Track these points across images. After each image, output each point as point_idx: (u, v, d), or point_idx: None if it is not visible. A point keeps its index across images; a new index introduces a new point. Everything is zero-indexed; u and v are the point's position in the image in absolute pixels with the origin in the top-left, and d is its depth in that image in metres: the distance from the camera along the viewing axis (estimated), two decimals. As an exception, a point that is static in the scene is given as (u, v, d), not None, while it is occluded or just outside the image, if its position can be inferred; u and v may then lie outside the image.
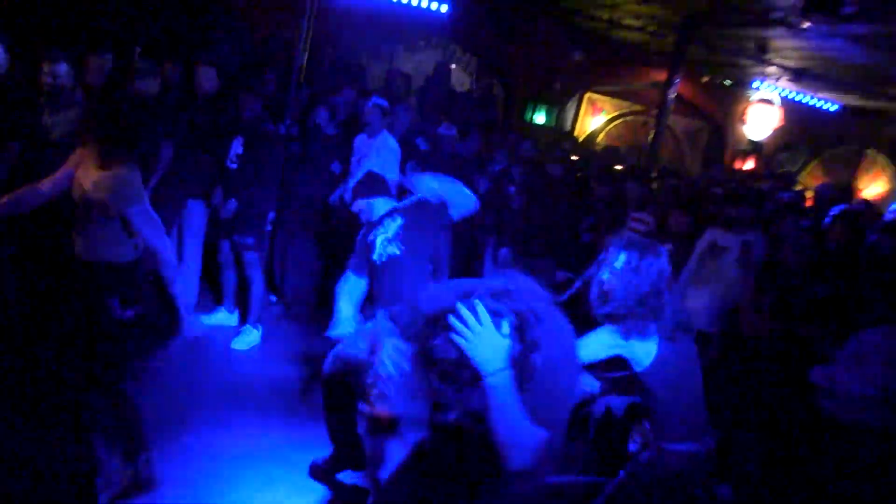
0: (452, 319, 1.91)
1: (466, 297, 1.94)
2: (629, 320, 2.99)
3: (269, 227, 6.16)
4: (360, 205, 4.10)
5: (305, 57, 8.96)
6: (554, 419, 2.05)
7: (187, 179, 5.86)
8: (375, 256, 3.94)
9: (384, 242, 3.93)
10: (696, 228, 5.95)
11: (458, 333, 1.90)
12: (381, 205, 4.09)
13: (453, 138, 7.25)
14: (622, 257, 3.01)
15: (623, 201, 6.64)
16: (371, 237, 4.01)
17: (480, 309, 1.90)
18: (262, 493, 4.05)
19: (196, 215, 6.10)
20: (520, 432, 1.95)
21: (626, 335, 3.01)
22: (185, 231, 6.08)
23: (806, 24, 7.32)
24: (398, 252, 3.88)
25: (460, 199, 4.09)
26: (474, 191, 7.25)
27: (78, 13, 7.58)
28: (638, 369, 3.08)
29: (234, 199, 5.90)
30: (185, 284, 5.97)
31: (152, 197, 4.61)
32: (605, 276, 3.03)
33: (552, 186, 7.12)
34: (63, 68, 4.93)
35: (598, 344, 3.07)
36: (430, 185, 4.00)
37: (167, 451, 4.15)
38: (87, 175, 3.74)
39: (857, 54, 8.67)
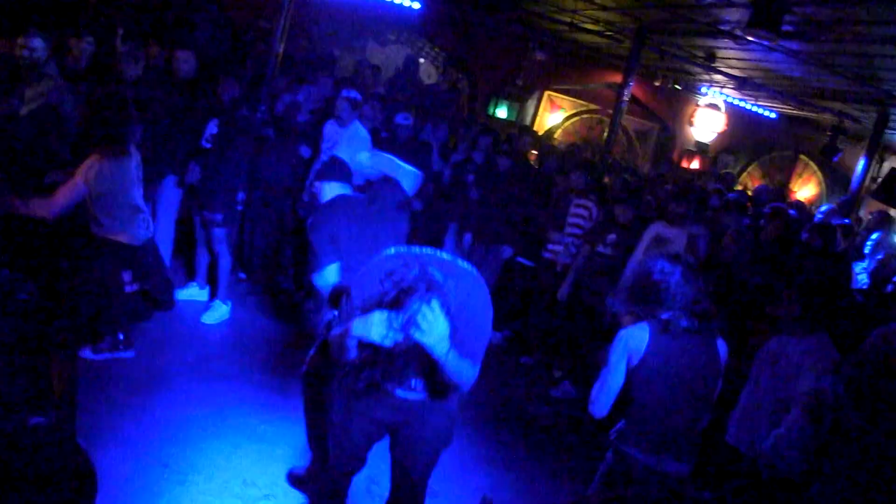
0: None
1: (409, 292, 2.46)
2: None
3: (239, 207, 6.33)
4: (315, 186, 4.08)
5: (282, 47, 9.32)
6: (478, 350, 2.73)
7: (162, 158, 6.02)
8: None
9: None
10: (640, 220, 6.37)
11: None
12: (333, 189, 4.00)
13: (409, 127, 7.51)
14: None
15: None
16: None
17: (434, 306, 2.45)
18: (229, 461, 4.17)
19: (169, 192, 6.27)
20: (463, 373, 2.67)
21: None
22: (158, 207, 6.22)
23: (750, 38, 7.83)
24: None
25: (402, 171, 4.10)
26: (438, 179, 7.74)
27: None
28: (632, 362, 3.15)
29: (198, 167, 6.10)
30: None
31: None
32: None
33: (504, 178, 7.42)
34: (38, 42, 5.11)
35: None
36: (370, 163, 4.20)
37: (138, 418, 4.35)
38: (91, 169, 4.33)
39: (793, 67, 9.25)
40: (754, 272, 5.59)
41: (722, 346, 3.21)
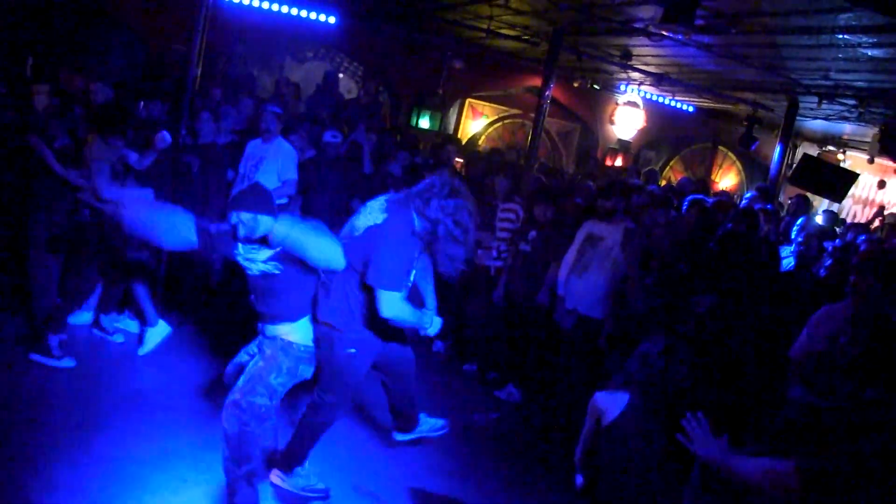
0: None
1: None
2: None
3: None
4: (243, 217, 3.68)
5: (199, 70, 9.08)
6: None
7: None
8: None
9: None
10: (559, 218, 6.44)
11: None
12: (265, 223, 3.70)
13: (338, 145, 7.46)
14: None
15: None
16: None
17: None
18: (177, 495, 4.02)
19: None
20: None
21: None
22: None
23: (664, 33, 7.95)
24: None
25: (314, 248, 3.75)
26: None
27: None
28: (604, 422, 3.29)
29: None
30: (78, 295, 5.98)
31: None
32: None
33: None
34: None
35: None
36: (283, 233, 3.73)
37: (77, 458, 4.14)
38: None
39: (707, 61, 9.45)
40: (678, 261, 5.72)
41: None
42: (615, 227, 5.84)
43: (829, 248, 6.82)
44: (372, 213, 3.80)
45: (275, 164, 6.79)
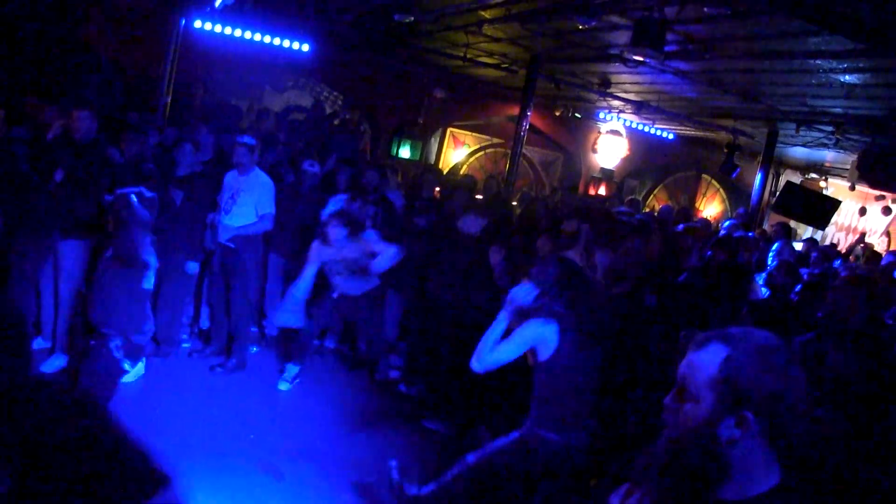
0: None
1: None
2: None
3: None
4: None
5: (169, 98, 9.02)
6: None
7: (62, 220, 5.76)
8: None
9: None
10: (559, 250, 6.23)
11: None
12: None
13: (317, 175, 7.38)
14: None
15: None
16: None
17: None
18: None
19: (69, 257, 5.91)
20: None
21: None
22: (59, 272, 5.89)
23: (638, 58, 7.90)
24: None
25: None
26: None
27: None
28: (541, 358, 3.54)
29: None
30: (65, 325, 5.90)
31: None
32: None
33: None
34: None
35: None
36: None
37: None
38: None
39: (684, 88, 9.44)
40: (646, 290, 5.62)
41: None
42: (575, 254, 5.55)
43: (805, 276, 6.72)
44: None
45: (252, 196, 6.66)
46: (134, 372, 5.77)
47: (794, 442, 1.53)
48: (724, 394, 1.51)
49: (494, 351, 3.54)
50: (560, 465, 3.58)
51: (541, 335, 3.53)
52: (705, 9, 5.68)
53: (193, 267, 6.46)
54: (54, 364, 5.82)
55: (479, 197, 9.68)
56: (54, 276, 5.89)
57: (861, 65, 6.33)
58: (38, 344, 5.99)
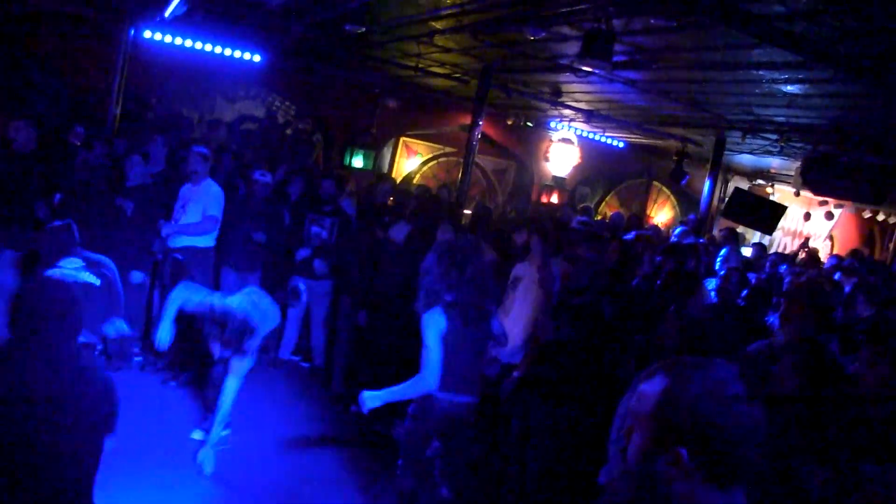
0: None
1: None
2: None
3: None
4: None
5: (119, 109, 8.87)
6: None
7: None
8: None
9: None
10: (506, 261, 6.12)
11: None
12: None
13: (268, 185, 7.34)
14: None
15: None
16: None
17: None
18: None
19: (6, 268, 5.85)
20: None
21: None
22: None
23: (587, 69, 7.99)
24: None
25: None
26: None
27: None
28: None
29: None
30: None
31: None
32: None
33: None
34: None
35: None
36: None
37: None
38: None
39: (633, 97, 9.56)
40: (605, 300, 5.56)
41: (496, 323, 4.35)
42: (532, 266, 5.53)
43: (753, 280, 6.86)
44: None
45: (200, 203, 6.67)
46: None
47: (744, 478, 1.46)
48: (659, 428, 1.46)
49: (429, 364, 3.97)
50: (451, 422, 4.09)
51: (437, 324, 3.98)
52: (651, 20, 5.78)
53: (138, 276, 6.38)
54: None
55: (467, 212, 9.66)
56: None
57: (800, 76, 6.50)
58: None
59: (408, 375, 4.05)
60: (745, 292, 5.61)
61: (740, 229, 12.87)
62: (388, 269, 6.44)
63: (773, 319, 5.48)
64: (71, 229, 4.77)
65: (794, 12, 4.83)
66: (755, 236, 13.53)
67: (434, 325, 3.98)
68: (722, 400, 1.43)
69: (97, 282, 4.56)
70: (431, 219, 7.03)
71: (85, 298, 4.23)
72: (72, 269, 4.48)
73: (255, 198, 7.28)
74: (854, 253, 10.79)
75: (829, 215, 13.34)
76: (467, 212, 9.94)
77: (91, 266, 4.60)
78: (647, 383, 1.52)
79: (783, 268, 7.81)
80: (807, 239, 12.60)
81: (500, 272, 5.82)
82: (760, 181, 14.22)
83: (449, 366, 4.02)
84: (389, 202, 9.47)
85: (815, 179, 8.72)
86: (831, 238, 13.72)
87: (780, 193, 13.63)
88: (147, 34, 9.01)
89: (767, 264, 8.45)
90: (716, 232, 12.11)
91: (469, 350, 4.14)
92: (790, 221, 13.75)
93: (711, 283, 6.86)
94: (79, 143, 7.42)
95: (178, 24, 8.47)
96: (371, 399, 4.01)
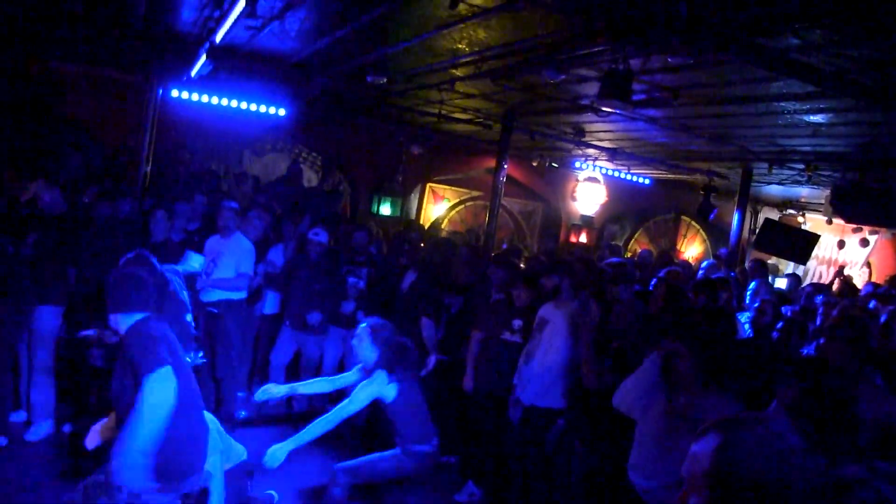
0: None
1: None
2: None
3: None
4: None
5: (149, 167, 9.09)
6: None
7: (39, 287, 5.82)
8: None
9: None
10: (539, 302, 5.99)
11: None
12: None
13: (323, 244, 7.25)
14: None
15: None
16: None
17: None
18: None
19: (46, 321, 5.96)
20: None
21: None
22: (34, 337, 5.93)
23: (608, 109, 8.05)
24: None
25: None
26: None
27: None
28: (388, 402, 4.70)
29: None
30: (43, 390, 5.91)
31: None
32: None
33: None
34: None
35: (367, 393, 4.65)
36: None
37: None
38: None
39: (657, 134, 9.58)
40: (646, 341, 5.47)
41: None
42: (561, 309, 5.49)
43: (788, 313, 6.76)
44: None
45: (233, 258, 6.76)
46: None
47: None
48: (716, 487, 1.44)
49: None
50: (426, 466, 4.79)
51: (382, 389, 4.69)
52: (669, 59, 5.81)
53: None
54: (40, 432, 5.84)
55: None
56: (28, 342, 5.95)
57: (822, 105, 6.48)
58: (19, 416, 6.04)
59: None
60: (779, 325, 5.52)
61: (773, 260, 12.75)
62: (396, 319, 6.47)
63: (809, 352, 5.38)
64: None
65: (809, 44, 4.84)
66: (789, 267, 13.37)
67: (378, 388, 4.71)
68: (778, 453, 1.43)
69: None
70: (437, 267, 7.10)
71: None
72: None
73: (312, 256, 7.26)
74: (893, 280, 10.58)
75: (864, 242, 13.13)
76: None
77: None
78: (698, 443, 1.51)
79: (819, 298, 7.68)
80: (841, 267, 12.39)
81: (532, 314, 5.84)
82: (791, 211, 14.07)
83: (412, 422, 4.82)
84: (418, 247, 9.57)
85: (846, 207, 8.62)
86: (869, 265, 13.48)
87: (812, 222, 13.46)
88: (175, 93, 9.27)
89: (803, 296, 8.32)
90: (747, 264, 11.99)
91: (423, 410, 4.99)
92: (824, 250, 13.56)
93: (744, 317, 6.80)
94: (88, 201, 7.61)
95: (204, 82, 8.70)
96: None
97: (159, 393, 3.21)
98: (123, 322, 3.48)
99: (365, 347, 4.82)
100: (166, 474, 3.33)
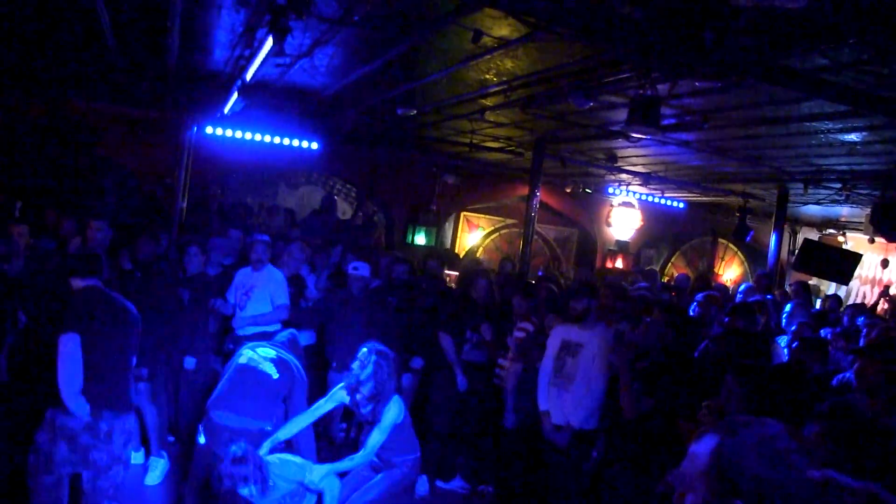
0: None
1: None
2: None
3: (163, 363, 6.17)
4: None
5: (185, 202, 9.29)
6: None
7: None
8: None
9: None
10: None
11: None
12: None
13: (365, 278, 7.09)
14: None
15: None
16: None
17: None
18: None
19: None
20: None
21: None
22: None
23: (640, 135, 8.03)
24: None
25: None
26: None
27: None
28: (399, 422, 4.69)
29: None
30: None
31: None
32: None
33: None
34: None
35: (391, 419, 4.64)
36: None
37: None
38: None
39: (690, 157, 9.55)
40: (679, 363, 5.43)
41: None
42: (592, 333, 5.45)
43: (829, 335, 6.62)
44: None
45: (266, 290, 6.78)
46: (159, 468, 6.02)
47: None
48: (714, 484, 1.48)
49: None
50: (417, 470, 4.96)
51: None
52: (696, 83, 5.81)
53: (191, 363, 6.48)
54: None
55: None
56: None
57: (856, 124, 6.41)
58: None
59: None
60: (794, 344, 5.41)
61: (814, 281, 12.51)
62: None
63: (849, 376, 5.26)
64: None
65: (837, 64, 4.80)
66: (830, 287, 13.10)
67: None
68: (773, 453, 1.46)
69: (275, 375, 4.94)
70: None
71: (256, 384, 4.83)
72: (262, 355, 5.04)
73: (354, 290, 7.05)
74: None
75: (909, 260, 12.84)
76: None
77: (280, 363, 5.03)
78: (697, 444, 1.56)
79: (861, 320, 7.52)
80: (886, 287, 12.10)
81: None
82: (831, 230, 13.84)
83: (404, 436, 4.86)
84: (447, 277, 9.58)
85: (887, 226, 8.45)
86: (914, 284, 13.16)
87: (854, 241, 13.21)
88: (209, 130, 9.48)
89: (845, 318, 8.15)
90: (787, 287, 11.78)
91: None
92: (867, 269, 13.26)
93: (783, 341, 6.68)
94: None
95: (238, 117, 8.87)
96: None
97: None
98: None
99: (383, 374, 4.65)
100: None
